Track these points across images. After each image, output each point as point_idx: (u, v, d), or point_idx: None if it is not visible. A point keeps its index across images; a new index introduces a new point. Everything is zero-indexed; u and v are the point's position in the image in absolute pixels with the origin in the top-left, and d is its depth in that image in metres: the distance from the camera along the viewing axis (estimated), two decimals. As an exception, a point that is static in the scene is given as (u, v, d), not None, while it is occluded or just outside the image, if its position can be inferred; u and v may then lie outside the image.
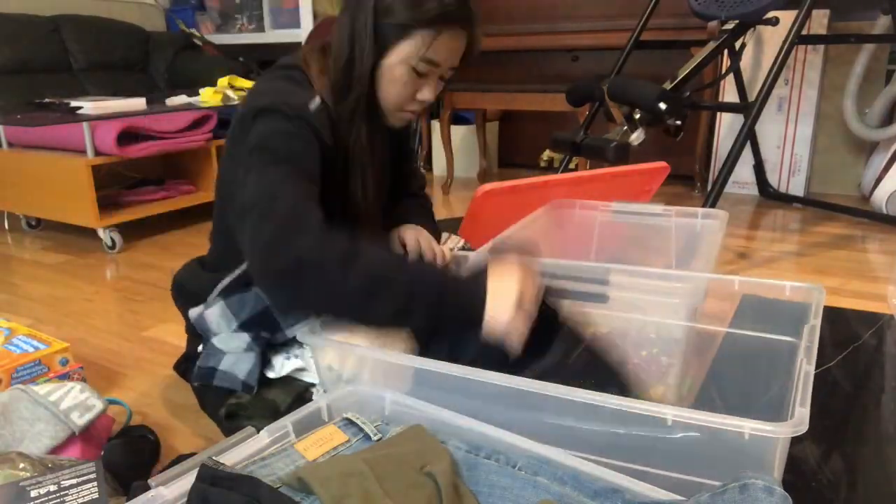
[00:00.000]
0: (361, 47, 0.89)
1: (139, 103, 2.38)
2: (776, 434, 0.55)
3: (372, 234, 1.02)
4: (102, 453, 0.93)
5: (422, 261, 0.98)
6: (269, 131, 0.87)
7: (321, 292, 0.75)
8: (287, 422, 0.64)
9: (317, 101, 0.93)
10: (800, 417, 0.56)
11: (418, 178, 1.27)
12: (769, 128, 2.78)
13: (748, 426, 0.56)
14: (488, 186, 1.34)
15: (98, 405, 0.94)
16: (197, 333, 1.08)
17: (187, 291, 1.09)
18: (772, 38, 2.64)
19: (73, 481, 0.70)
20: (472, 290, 0.79)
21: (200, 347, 1.08)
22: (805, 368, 0.65)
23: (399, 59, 0.89)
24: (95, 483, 0.70)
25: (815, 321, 0.77)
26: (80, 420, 0.91)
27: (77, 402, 0.93)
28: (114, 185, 2.43)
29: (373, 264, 0.77)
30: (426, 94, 0.94)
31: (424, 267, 0.91)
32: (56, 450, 0.89)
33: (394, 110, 0.96)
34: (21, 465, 0.75)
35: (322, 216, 0.80)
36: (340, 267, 0.74)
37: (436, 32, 0.88)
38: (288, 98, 0.90)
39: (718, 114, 2.86)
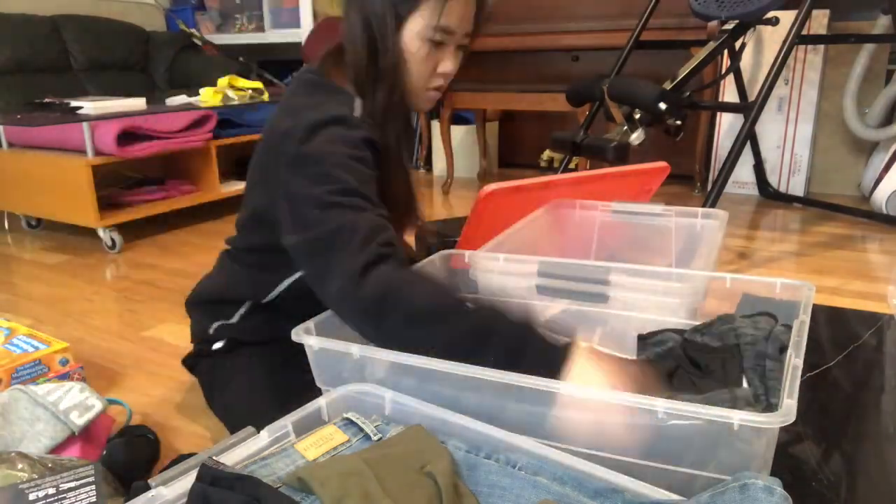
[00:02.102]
0: (382, 33, 0.86)
1: (139, 103, 2.38)
2: (765, 424, 0.56)
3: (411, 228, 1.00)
4: (104, 452, 0.93)
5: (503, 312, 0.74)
6: (331, 148, 0.82)
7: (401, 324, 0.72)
8: (287, 422, 0.64)
9: (357, 106, 0.91)
10: (787, 408, 0.57)
11: None
12: (769, 128, 2.78)
13: (737, 417, 0.56)
14: (492, 186, 1.33)
15: (97, 405, 0.94)
16: (207, 340, 1.09)
17: (210, 305, 1.10)
18: (772, 38, 2.64)
19: (72, 484, 0.70)
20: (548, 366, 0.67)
21: (218, 345, 1.08)
22: (794, 362, 0.66)
23: (414, 34, 0.86)
24: (94, 486, 0.70)
25: (805, 317, 0.78)
26: (79, 420, 0.91)
27: (76, 402, 0.93)
28: (114, 185, 2.43)
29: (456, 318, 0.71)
30: (447, 65, 0.91)
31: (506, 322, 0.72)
32: (56, 450, 0.89)
33: (420, 91, 0.92)
34: (20, 466, 0.75)
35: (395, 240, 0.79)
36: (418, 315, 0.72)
37: None
38: (336, 110, 0.87)
39: (718, 114, 2.85)
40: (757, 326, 0.80)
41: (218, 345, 1.08)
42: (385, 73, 0.88)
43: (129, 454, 0.95)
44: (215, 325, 1.08)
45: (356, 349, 0.73)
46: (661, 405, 0.59)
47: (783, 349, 0.75)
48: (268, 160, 0.91)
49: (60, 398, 0.92)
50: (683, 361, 0.77)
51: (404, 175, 0.96)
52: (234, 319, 1.07)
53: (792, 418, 0.56)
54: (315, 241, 0.77)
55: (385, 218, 0.81)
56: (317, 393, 0.76)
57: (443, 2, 0.84)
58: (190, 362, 1.15)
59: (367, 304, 0.72)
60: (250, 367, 1.04)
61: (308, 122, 0.84)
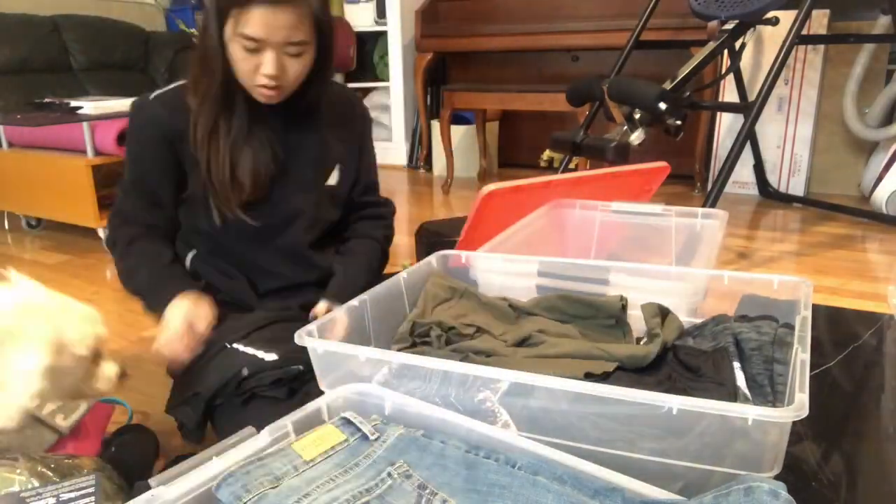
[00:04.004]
0: (207, 32, 0.99)
1: (139, 103, 2.38)
2: (779, 419, 0.56)
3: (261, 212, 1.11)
4: (112, 449, 0.93)
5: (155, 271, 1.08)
6: (129, 139, 1.12)
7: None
8: (287, 421, 0.64)
9: (166, 89, 1.10)
10: (800, 402, 0.57)
11: (387, 205, 1.31)
12: (769, 128, 2.78)
13: (752, 412, 0.57)
14: (492, 186, 1.34)
15: (82, 405, 0.93)
16: None
17: None
18: (772, 38, 2.64)
19: (72, 495, 0.70)
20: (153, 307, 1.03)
21: None
22: (801, 357, 0.66)
23: (228, 38, 0.98)
24: (93, 498, 0.70)
25: (806, 312, 0.78)
26: (65, 423, 0.90)
27: (59, 404, 0.91)
28: (114, 185, 2.43)
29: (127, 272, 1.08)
30: (266, 68, 0.98)
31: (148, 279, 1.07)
32: (49, 450, 0.89)
33: (249, 86, 1.02)
34: (18, 471, 0.74)
35: (133, 219, 1.10)
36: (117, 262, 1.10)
37: (241, 9, 0.94)
38: (142, 97, 1.09)
39: (718, 114, 2.86)
40: (760, 331, 0.80)
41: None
42: (207, 64, 1.01)
43: (138, 452, 0.95)
44: None
45: (362, 351, 0.73)
46: (676, 401, 0.59)
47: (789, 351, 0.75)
48: None
49: (43, 402, 0.91)
50: (676, 367, 0.77)
51: (228, 155, 1.06)
52: None
53: (805, 412, 0.56)
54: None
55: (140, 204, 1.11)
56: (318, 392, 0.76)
57: (239, 14, 0.95)
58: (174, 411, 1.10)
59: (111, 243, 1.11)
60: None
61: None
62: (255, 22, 0.94)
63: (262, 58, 0.98)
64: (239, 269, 1.14)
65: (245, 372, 0.97)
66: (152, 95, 1.09)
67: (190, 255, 1.17)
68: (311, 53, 1.02)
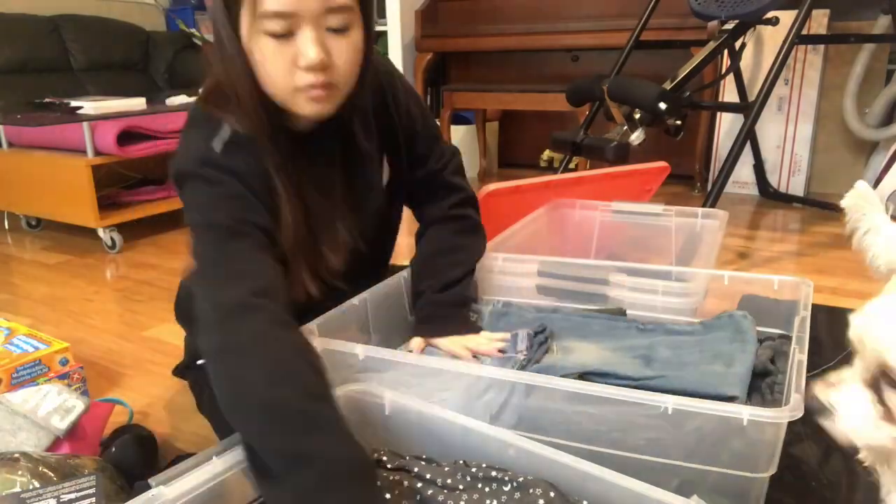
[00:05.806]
0: (221, 39, 0.74)
1: (139, 103, 2.38)
2: (773, 419, 0.56)
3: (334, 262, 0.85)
4: (113, 450, 0.93)
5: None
6: (194, 203, 0.76)
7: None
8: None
9: (224, 132, 0.79)
10: (795, 403, 0.57)
11: (445, 159, 1.03)
12: (769, 128, 2.78)
13: (746, 412, 0.57)
14: (492, 186, 1.34)
15: (78, 405, 0.92)
16: (193, 354, 1.06)
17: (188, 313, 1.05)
18: (772, 38, 2.64)
19: (73, 496, 0.70)
20: None
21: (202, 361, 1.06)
22: (798, 357, 0.66)
23: (248, 31, 0.71)
24: (94, 499, 0.70)
25: (805, 313, 0.79)
26: (61, 424, 0.89)
27: (55, 405, 0.91)
28: (114, 185, 2.43)
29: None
30: (308, 54, 0.71)
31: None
32: (47, 451, 0.88)
33: (287, 94, 0.75)
34: (19, 472, 0.74)
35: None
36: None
37: None
38: (196, 153, 0.77)
39: (718, 114, 2.85)
40: (758, 358, 0.79)
41: (202, 360, 1.01)
42: (237, 84, 0.75)
43: (140, 453, 0.95)
44: None
45: (361, 349, 0.73)
46: (671, 401, 0.59)
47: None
48: None
49: (38, 404, 0.90)
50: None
51: (298, 206, 0.79)
52: None
53: (800, 412, 0.56)
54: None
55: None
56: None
57: None
58: (180, 372, 1.13)
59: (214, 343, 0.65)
60: None
61: (173, 172, 0.78)
62: None
63: (293, 45, 0.71)
64: None
65: None
66: (217, 146, 0.78)
67: None
68: (359, 27, 0.75)
